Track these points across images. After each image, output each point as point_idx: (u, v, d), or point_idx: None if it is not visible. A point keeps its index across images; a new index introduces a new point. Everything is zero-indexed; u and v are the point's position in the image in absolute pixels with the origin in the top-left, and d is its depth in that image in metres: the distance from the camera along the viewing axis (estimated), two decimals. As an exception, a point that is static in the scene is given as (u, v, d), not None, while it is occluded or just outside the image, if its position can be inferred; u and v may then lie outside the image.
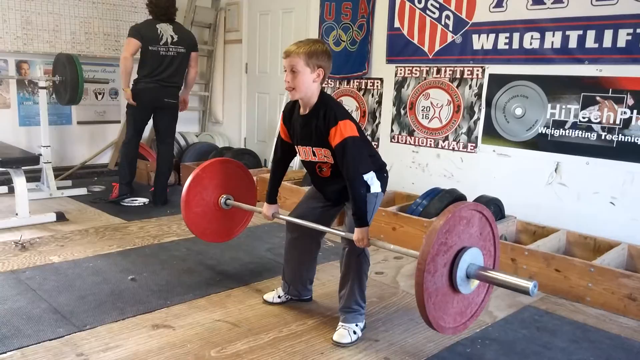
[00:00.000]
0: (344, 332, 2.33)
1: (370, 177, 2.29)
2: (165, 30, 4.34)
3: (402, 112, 4.47)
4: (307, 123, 2.28)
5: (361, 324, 2.40)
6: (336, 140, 2.17)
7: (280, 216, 2.60)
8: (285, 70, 2.24)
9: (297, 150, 2.43)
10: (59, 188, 4.79)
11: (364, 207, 2.19)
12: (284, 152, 2.53)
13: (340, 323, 2.38)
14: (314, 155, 2.32)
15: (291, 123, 2.39)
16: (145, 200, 4.60)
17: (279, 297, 2.70)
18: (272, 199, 2.60)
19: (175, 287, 2.84)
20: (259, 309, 2.62)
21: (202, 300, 2.70)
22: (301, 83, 2.20)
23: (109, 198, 4.59)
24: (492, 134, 3.90)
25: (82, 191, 4.89)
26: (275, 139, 2.49)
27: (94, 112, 5.77)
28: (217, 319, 2.49)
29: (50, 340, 2.23)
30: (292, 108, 2.39)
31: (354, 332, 2.34)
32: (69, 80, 4.49)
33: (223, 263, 3.24)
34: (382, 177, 2.37)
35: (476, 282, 1.95)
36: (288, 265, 2.65)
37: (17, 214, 3.81)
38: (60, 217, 3.98)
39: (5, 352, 2.12)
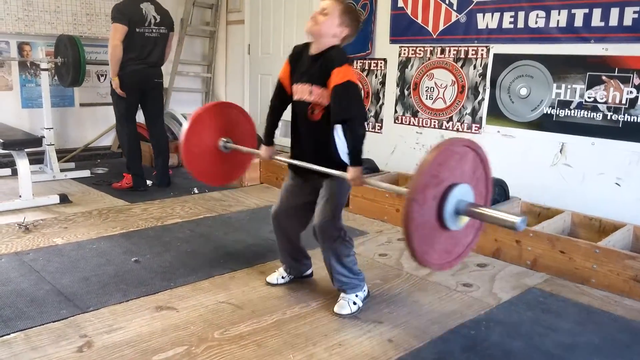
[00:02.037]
0: (344, 303, 2.40)
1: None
2: (149, 10, 4.23)
3: (406, 92, 4.42)
4: (314, 61, 2.28)
5: (361, 294, 2.46)
6: (338, 80, 2.15)
7: (278, 158, 2.57)
8: (318, 9, 2.26)
9: (293, 92, 2.38)
10: (62, 170, 4.79)
11: (361, 147, 2.19)
12: (281, 101, 2.49)
13: (340, 295, 2.45)
14: (310, 94, 2.28)
15: (298, 62, 2.37)
16: (149, 182, 4.59)
17: (282, 277, 2.70)
18: (269, 140, 2.57)
19: (178, 269, 2.85)
20: (262, 291, 2.63)
21: (205, 282, 2.70)
22: (325, 26, 2.23)
23: (114, 186, 4.49)
24: (496, 114, 3.86)
25: (85, 173, 4.89)
26: (276, 86, 2.48)
27: (96, 94, 5.74)
28: (220, 301, 2.49)
29: (53, 322, 2.24)
30: (302, 49, 2.38)
31: (354, 303, 2.41)
32: (71, 61, 4.47)
33: (226, 245, 3.24)
34: None
35: (465, 220, 1.91)
36: (279, 246, 2.67)
37: (20, 196, 3.81)
38: (64, 199, 3.98)
39: (9, 334, 2.13)
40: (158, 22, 4.28)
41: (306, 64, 2.31)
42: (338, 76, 2.15)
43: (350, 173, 2.19)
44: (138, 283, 2.65)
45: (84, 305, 2.39)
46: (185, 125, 2.74)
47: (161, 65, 4.44)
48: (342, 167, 2.26)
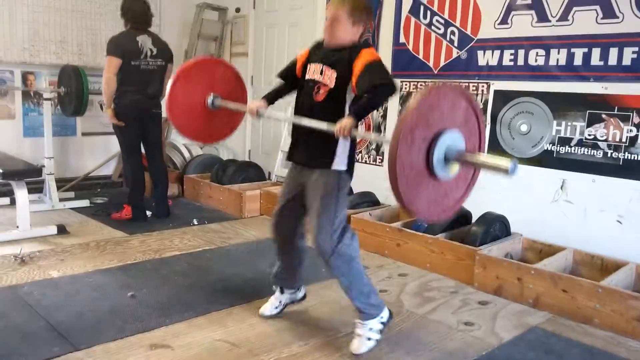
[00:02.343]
0: (359, 342, 2.36)
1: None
2: (145, 42, 4.24)
3: (407, 126, 4.43)
4: (335, 50, 2.30)
5: (375, 325, 2.38)
6: (370, 58, 2.18)
7: (265, 114, 2.53)
8: (327, 20, 2.29)
9: (306, 72, 2.39)
10: (61, 200, 4.77)
11: (370, 109, 2.24)
12: (286, 76, 2.54)
13: (356, 326, 2.40)
14: (321, 74, 2.30)
15: (317, 49, 2.41)
16: (149, 213, 4.57)
17: (276, 307, 2.68)
18: (266, 96, 2.57)
19: (175, 304, 2.81)
20: (259, 328, 2.58)
21: (202, 318, 2.66)
22: (341, 34, 2.27)
23: (114, 217, 4.45)
24: (497, 150, 3.86)
25: (85, 203, 4.87)
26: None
27: (98, 123, 5.76)
28: (217, 339, 2.45)
29: None
30: (323, 42, 2.40)
31: (368, 339, 2.35)
32: (74, 91, 4.49)
33: (224, 279, 3.21)
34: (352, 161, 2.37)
35: (455, 170, 1.86)
36: (277, 252, 2.64)
37: (17, 227, 3.78)
38: (61, 230, 3.96)
39: (1, 372, 2.09)
40: (155, 55, 4.29)
41: (325, 50, 2.35)
42: (369, 56, 2.20)
43: (343, 120, 2.13)
44: (133, 319, 2.60)
45: (78, 342, 2.34)
46: (172, 79, 2.71)
47: (160, 96, 4.44)
48: (336, 160, 2.28)
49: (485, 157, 1.81)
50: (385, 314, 2.44)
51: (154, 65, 4.29)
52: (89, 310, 2.68)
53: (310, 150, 2.35)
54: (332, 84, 2.26)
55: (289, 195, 2.49)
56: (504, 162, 1.73)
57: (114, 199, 5.16)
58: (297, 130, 2.41)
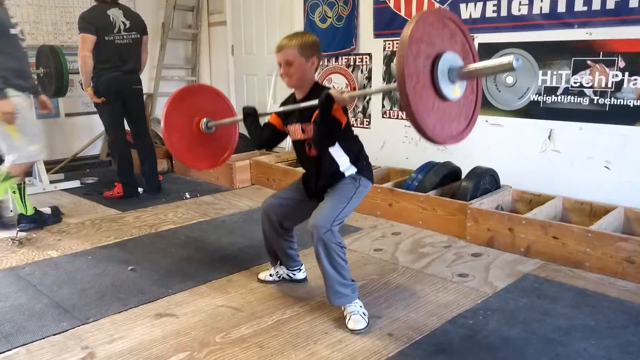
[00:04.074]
0: (356, 318, 2.26)
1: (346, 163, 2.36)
2: (117, 16, 4.13)
3: (393, 86, 4.43)
4: (304, 98, 2.34)
5: (359, 300, 2.35)
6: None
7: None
8: (280, 65, 2.30)
9: (287, 132, 2.46)
10: (51, 182, 4.76)
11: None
12: (269, 135, 2.54)
13: (345, 310, 2.31)
14: (303, 132, 2.35)
15: (288, 105, 2.43)
16: (140, 189, 4.57)
17: (270, 275, 2.73)
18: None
19: (175, 275, 2.85)
20: (260, 292, 2.63)
21: (203, 286, 2.70)
22: (299, 72, 2.28)
23: (106, 195, 4.46)
24: (484, 104, 3.86)
25: (75, 184, 4.86)
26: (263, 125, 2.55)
27: (81, 104, 5.70)
28: (219, 305, 2.50)
29: (54, 335, 2.23)
30: (288, 99, 2.48)
31: (364, 313, 2.29)
32: (53, 72, 4.43)
33: (222, 248, 3.24)
34: (365, 166, 2.42)
35: (457, 93, 1.91)
36: (266, 243, 2.66)
37: (11, 211, 3.78)
38: (55, 211, 3.95)
39: (11, 349, 2.13)
40: (128, 28, 4.19)
41: (295, 103, 2.38)
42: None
43: (322, 96, 2.14)
44: (136, 292, 2.64)
45: (84, 316, 2.38)
46: (162, 121, 2.79)
47: (139, 71, 4.38)
48: (346, 178, 2.35)
49: (485, 62, 1.88)
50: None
51: (129, 38, 4.20)
52: (91, 286, 2.71)
53: (321, 182, 2.39)
54: None
55: (290, 194, 2.53)
56: (505, 59, 1.78)
57: (103, 177, 5.16)
58: (304, 164, 2.50)
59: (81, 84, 4.41)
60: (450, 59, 1.86)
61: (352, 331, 2.23)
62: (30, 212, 3.61)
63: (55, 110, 5.18)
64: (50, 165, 5.17)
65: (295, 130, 2.39)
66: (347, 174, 2.35)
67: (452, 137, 1.99)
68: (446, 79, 1.85)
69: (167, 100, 2.82)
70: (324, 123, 2.17)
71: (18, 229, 3.50)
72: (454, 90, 1.90)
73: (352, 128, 2.45)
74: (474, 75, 1.97)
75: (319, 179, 2.40)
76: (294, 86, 2.35)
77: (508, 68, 1.78)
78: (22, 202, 3.57)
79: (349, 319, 2.27)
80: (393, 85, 2.07)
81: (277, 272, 2.72)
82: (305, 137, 2.37)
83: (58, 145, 5.60)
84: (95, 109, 4.41)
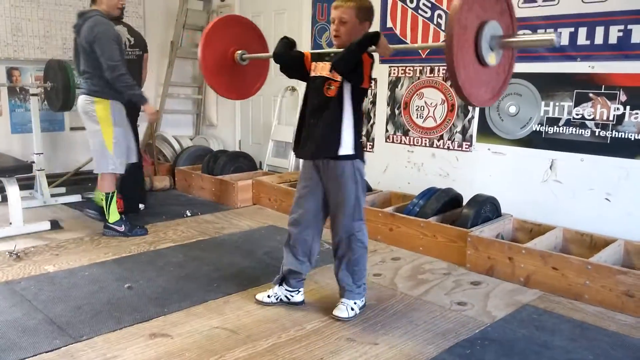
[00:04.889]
0: (342, 307, 2.53)
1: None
2: (123, 33, 4.20)
3: (397, 111, 4.46)
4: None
5: (359, 302, 2.57)
6: None
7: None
8: (333, 22, 2.38)
9: (312, 69, 2.50)
10: (52, 195, 4.76)
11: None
12: (292, 57, 2.59)
13: (340, 300, 2.58)
14: (331, 71, 2.38)
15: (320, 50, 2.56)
16: (142, 206, 4.56)
17: (269, 296, 2.71)
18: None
19: (172, 294, 2.83)
20: (256, 314, 2.61)
21: (199, 307, 2.68)
22: (349, 33, 2.34)
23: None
24: (486, 132, 3.90)
25: (77, 198, 4.85)
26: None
27: (86, 118, 5.72)
28: (215, 326, 2.48)
29: (46, 352, 2.21)
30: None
31: (352, 309, 2.51)
32: (60, 86, 4.46)
33: (220, 268, 3.23)
34: (361, 151, 2.49)
35: (493, 60, 2.06)
36: (288, 250, 2.66)
37: (10, 223, 3.78)
38: (55, 225, 3.95)
39: (2, 366, 2.11)
40: (132, 45, 4.30)
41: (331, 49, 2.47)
42: None
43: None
44: (131, 310, 2.62)
45: (77, 334, 2.36)
46: (200, 46, 2.88)
47: (139, 87, 4.40)
48: (345, 154, 2.40)
49: (528, 37, 2.03)
50: (364, 300, 2.64)
51: (133, 55, 4.30)
52: (87, 303, 2.70)
53: (316, 142, 2.44)
54: (340, 79, 2.36)
55: (305, 182, 2.59)
56: (547, 35, 1.91)
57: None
58: (302, 123, 2.52)
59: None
60: (495, 27, 2.02)
61: (333, 316, 2.51)
62: (113, 219, 3.79)
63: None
64: (52, 179, 5.17)
65: (324, 67, 2.43)
66: (342, 151, 2.39)
67: (476, 98, 2.14)
68: (487, 44, 2.01)
69: (212, 21, 2.92)
70: (353, 53, 2.25)
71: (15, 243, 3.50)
72: (491, 57, 2.06)
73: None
74: (513, 46, 2.14)
75: (314, 130, 2.43)
76: (341, 46, 2.37)
77: (549, 44, 1.92)
78: (107, 209, 3.77)
79: (336, 307, 2.54)
80: (441, 43, 2.24)
81: (275, 293, 2.70)
82: (330, 76, 2.39)
83: (61, 159, 5.61)
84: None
